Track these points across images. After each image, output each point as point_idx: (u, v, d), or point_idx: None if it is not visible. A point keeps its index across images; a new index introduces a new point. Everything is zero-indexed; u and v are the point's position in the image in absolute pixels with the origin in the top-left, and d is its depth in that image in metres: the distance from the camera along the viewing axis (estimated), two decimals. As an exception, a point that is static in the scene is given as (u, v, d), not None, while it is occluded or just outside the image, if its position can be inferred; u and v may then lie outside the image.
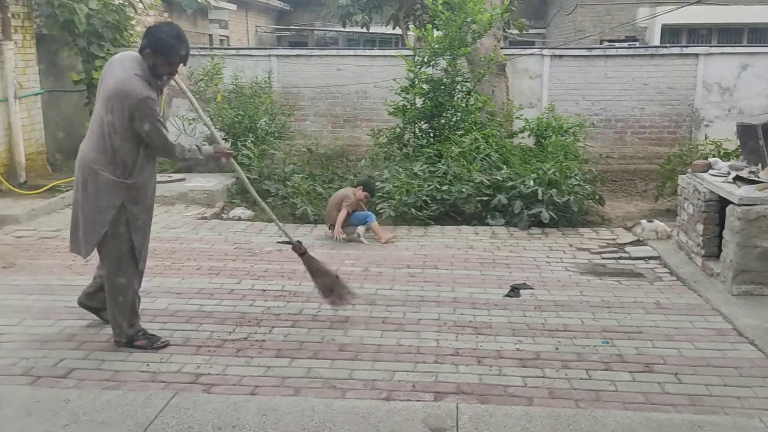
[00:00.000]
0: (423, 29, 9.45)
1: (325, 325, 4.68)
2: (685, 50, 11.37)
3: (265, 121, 9.95)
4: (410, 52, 9.52)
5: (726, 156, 7.80)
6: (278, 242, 6.88)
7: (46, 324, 4.65)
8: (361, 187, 7.16)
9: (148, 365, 4.03)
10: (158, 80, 4.01)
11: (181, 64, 4.06)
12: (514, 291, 5.42)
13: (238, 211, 8.13)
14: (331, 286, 4.75)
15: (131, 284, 4.22)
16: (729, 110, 11.33)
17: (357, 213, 7.09)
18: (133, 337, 4.27)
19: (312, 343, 4.37)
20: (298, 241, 4.91)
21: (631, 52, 11.61)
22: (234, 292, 5.36)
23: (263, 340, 4.41)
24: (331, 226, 7.06)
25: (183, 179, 9.35)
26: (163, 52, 3.94)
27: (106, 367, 4.01)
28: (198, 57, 11.30)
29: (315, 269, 4.81)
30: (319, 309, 5.00)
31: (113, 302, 4.20)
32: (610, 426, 3.36)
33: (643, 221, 7.24)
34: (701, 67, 11.24)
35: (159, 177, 8.68)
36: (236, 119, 9.74)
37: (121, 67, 3.94)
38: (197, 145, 4.38)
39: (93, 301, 4.54)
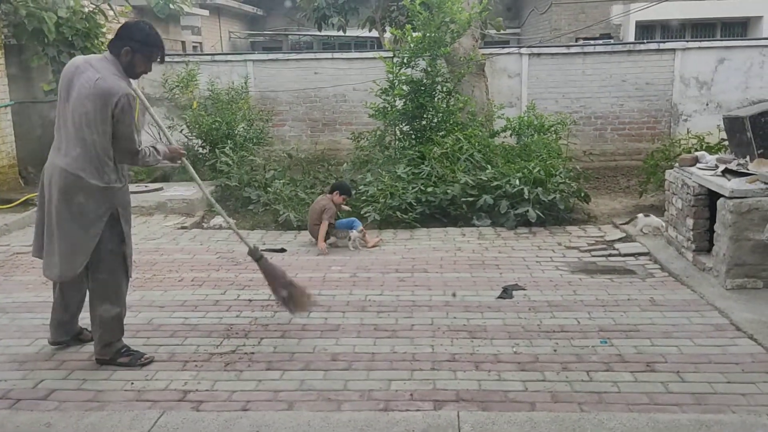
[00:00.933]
0: (402, 30, 9.35)
1: (315, 335, 4.54)
2: (662, 45, 11.42)
3: (243, 127, 9.80)
4: (389, 54, 9.42)
5: (709, 150, 7.79)
6: (262, 250, 6.74)
7: (23, 343, 4.45)
8: (337, 192, 7.01)
9: (132, 384, 3.86)
10: (133, 79, 3.92)
11: (157, 62, 3.98)
12: (507, 292, 5.34)
13: (219, 220, 7.96)
14: (288, 293, 4.62)
15: (125, 295, 4.08)
16: (707, 104, 11.39)
17: (340, 221, 6.95)
18: (116, 354, 4.08)
19: (303, 354, 4.23)
20: (255, 246, 4.77)
21: (608, 48, 11.64)
22: (219, 303, 5.20)
23: (252, 353, 4.25)
24: (312, 235, 6.94)
25: (161, 188, 9.16)
26: (142, 50, 3.86)
27: (88, 387, 3.83)
28: (172, 63, 11.10)
29: (272, 275, 4.65)
30: (309, 316, 4.85)
31: (107, 317, 4.00)
32: (616, 429, 3.27)
33: (640, 215, 7.19)
34: (678, 62, 11.29)
35: (135, 187, 8.63)
36: (214, 126, 9.57)
37: (93, 69, 3.79)
38: (153, 147, 4.07)
39: (66, 332, 4.30)
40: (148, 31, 3.89)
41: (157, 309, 5.09)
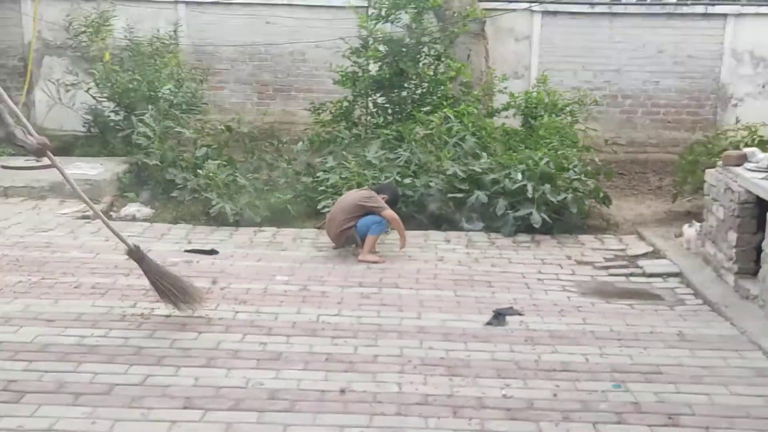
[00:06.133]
0: (380, -27, 9.35)
1: (249, 365, 4.53)
2: (711, 9, 11.50)
3: (169, 89, 9.63)
4: (363, 3, 9.42)
5: (762, 145, 7.92)
6: (187, 251, 6.72)
7: None
8: (383, 195, 6.85)
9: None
10: None
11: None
12: (498, 318, 5.38)
13: (133, 209, 7.92)
14: (174, 287, 5.12)
15: None
16: (764, 86, 11.55)
17: (363, 219, 6.71)
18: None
19: (233, 389, 4.22)
20: (135, 246, 5.23)
21: (643, 10, 11.73)
22: (126, 319, 5.18)
23: (167, 385, 4.24)
24: (336, 241, 6.80)
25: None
26: None
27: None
28: (78, 1, 10.95)
29: (155, 273, 5.16)
30: (243, 340, 4.85)
31: None
32: (627, 499, 3.31)
33: (686, 227, 7.20)
34: (730, 30, 11.40)
35: (24, 161, 8.51)
36: (131, 86, 9.46)
37: None
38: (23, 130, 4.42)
39: None
40: None
41: (45, 323, 5.03)
